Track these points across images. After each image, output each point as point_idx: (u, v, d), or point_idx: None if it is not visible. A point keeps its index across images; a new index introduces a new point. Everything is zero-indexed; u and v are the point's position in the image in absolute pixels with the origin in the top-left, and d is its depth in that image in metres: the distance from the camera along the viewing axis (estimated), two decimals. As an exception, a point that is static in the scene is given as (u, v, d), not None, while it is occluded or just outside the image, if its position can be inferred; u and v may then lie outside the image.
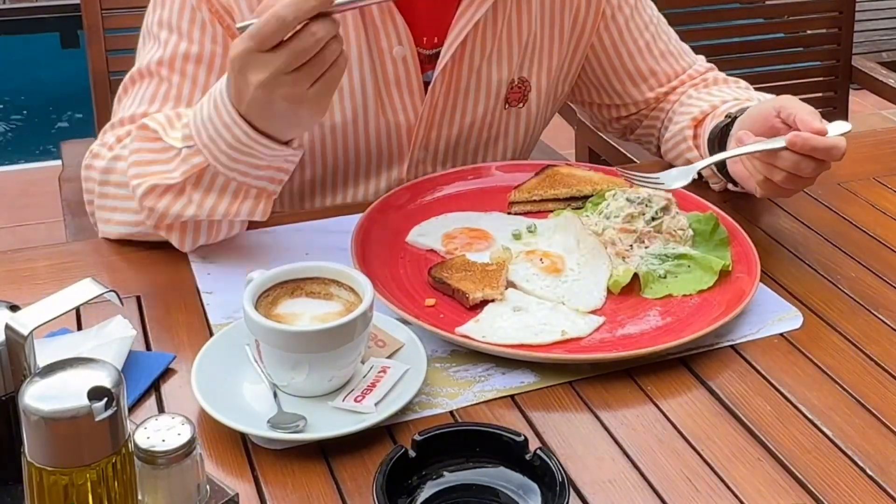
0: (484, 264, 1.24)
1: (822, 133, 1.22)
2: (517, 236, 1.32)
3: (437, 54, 1.41)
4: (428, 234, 1.32)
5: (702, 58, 1.62)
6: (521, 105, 1.50)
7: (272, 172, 1.22)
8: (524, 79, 1.49)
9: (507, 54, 1.45)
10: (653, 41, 1.55)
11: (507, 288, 1.21)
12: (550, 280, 1.23)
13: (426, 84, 1.42)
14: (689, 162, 1.45)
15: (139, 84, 1.35)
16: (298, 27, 1.08)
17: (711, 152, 1.39)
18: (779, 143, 1.23)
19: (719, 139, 1.38)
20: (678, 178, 1.32)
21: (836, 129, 1.27)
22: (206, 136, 1.18)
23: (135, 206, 1.26)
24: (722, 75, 1.59)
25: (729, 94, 1.49)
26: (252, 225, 1.36)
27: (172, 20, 1.33)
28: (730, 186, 1.43)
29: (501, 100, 1.48)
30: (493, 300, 1.19)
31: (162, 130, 1.23)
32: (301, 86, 1.11)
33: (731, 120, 1.36)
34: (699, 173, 1.33)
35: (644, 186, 1.32)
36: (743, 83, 1.56)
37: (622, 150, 2.25)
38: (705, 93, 1.52)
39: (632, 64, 1.55)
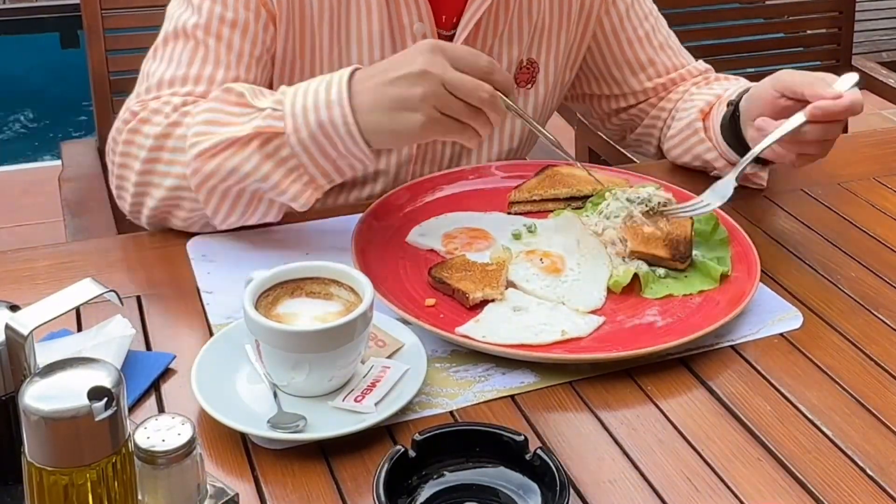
0: (484, 264, 1.24)
1: (837, 97, 1.24)
2: (517, 236, 1.32)
3: (454, 35, 1.43)
4: (428, 234, 1.32)
5: (700, 61, 1.63)
6: (529, 86, 1.52)
7: (333, 166, 1.23)
8: (532, 60, 1.51)
9: (518, 35, 1.48)
10: (652, 32, 1.58)
11: (507, 288, 1.21)
12: (550, 280, 1.23)
13: None
14: (699, 156, 1.48)
15: (173, 45, 1.35)
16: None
17: (726, 140, 1.41)
18: (799, 119, 1.24)
19: (730, 129, 1.39)
20: (720, 193, 1.29)
21: (845, 83, 1.27)
22: (301, 105, 1.20)
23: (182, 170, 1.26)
24: (721, 75, 1.60)
25: (730, 86, 1.51)
26: (252, 225, 1.36)
27: None
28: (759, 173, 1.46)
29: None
30: (493, 300, 1.19)
31: (250, 94, 1.24)
32: (430, 107, 1.17)
33: (735, 107, 1.38)
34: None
35: (690, 216, 1.29)
36: (743, 81, 1.57)
37: (622, 150, 2.25)
38: (706, 88, 1.54)
39: (631, 52, 1.57)
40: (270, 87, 1.40)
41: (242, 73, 1.34)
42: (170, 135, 1.27)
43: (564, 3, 1.51)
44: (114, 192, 1.37)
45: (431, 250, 1.30)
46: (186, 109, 1.28)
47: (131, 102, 1.34)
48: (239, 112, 1.24)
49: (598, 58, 1.59)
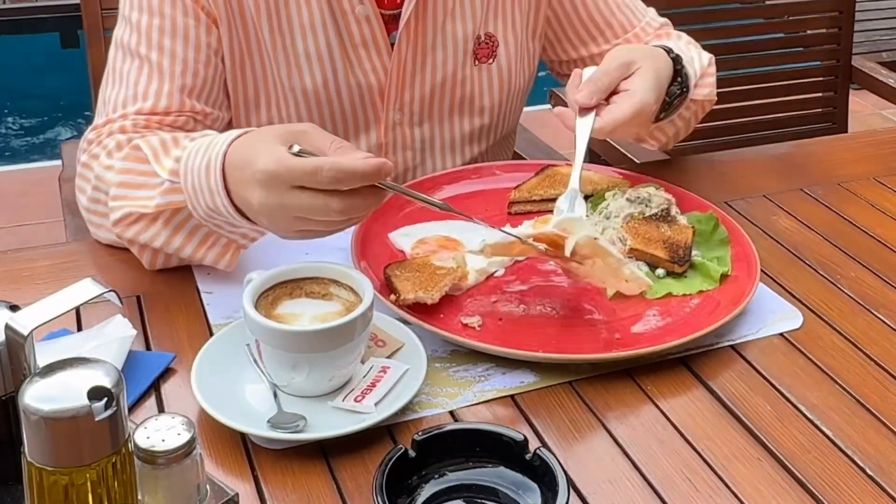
0: (437, 267, 1.22)
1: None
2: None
3: (399, 14, 1.41)
4: (409, 235, 1.32)
5: (653, 10, 1.60)
6: (490, 61, 1.50)
7: (246, 231, 1.20)
8: (490, 34, 1.49)
9: (471, 9, 1.46)
10: None
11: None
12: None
13: (394, 45, 1.43)
14: None
15: (120, 66, 1.35)
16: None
17: None
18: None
19: None
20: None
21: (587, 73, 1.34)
22: (191, 184, 1.15)
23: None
24: (675, 33, 1.58)
25: (671, 43, 1.46)
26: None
27: (143, 0, 1.34)
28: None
29: (469, 56, 1.48)
30: (425, 303, 1.16)
31: (152, 156, 1.20)
32: (292, 228, 1.09)
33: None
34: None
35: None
36: (692, 45, 1.54)
37: (622, 150, 2.24)
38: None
39: (587, 15, 1.55)
40: (226, 86, 1.40)
41: (189, 80, 1.34)
42: (103, 179, 1.26)
43: None
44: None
45: (401, 251, 1.30)
46: (111, 163, 1.25)
47: (90, 132, 1.34)
48: (147, 172, 1.20)
49: (556, 24, 1.56)
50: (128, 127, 1.31)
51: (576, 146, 1.30)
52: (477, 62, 1.50)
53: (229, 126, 1.45)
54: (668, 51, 1.39)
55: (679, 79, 1.39)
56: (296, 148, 1.06)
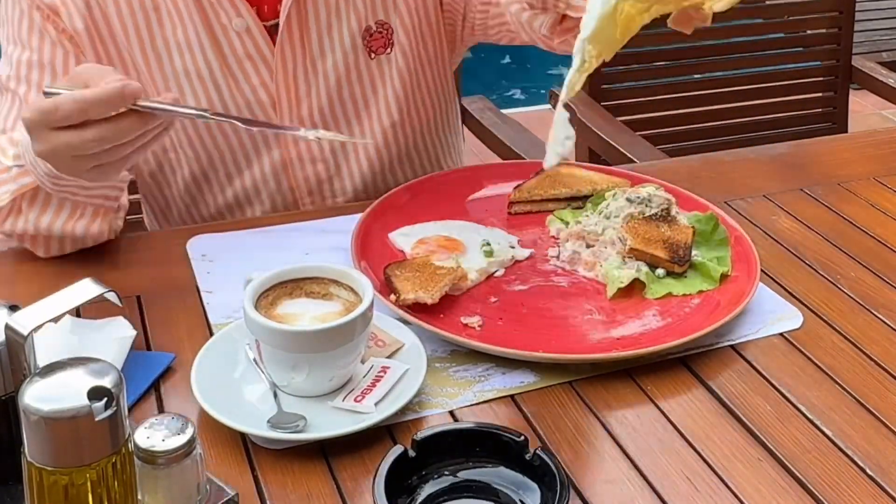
0: (437, 267, 1.23)
1: None
2: (488, 253, 1.29)
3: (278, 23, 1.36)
4: (409, 235, 1.32)
5: None
6: (388, 51, 1.43)
7: (105, 191, 1.21)
8: (383, 22, 1.42)
9: (353, 2, 1.39)
10: None
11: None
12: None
13: None
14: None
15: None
16: None
17: None
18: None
19: None
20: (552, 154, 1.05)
21: None
22: (29, 160, 1.17)
23: None
24: None
25: None
26: (252, 224, 1.36)
27: (14, 33, 1.33)
28: None
29: (362, 50, 1.41)
30: (425, 303, 1.16)
31: (1, 153, 1.24)
32: (81, 168, 1.10)
33: None
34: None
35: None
36: None
37: (622, 149, 2.25)
38: None
39: None
40: None
41: None
42: None
43: None
44: None
45: (401, 251, 1.30)
46: None
47: None
48: (1, 171, 1.24)
49: None
50: None
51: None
52: (373, 55, 1.42)
53: None
54: None
55: None
56: (47, 89, 1.08)
